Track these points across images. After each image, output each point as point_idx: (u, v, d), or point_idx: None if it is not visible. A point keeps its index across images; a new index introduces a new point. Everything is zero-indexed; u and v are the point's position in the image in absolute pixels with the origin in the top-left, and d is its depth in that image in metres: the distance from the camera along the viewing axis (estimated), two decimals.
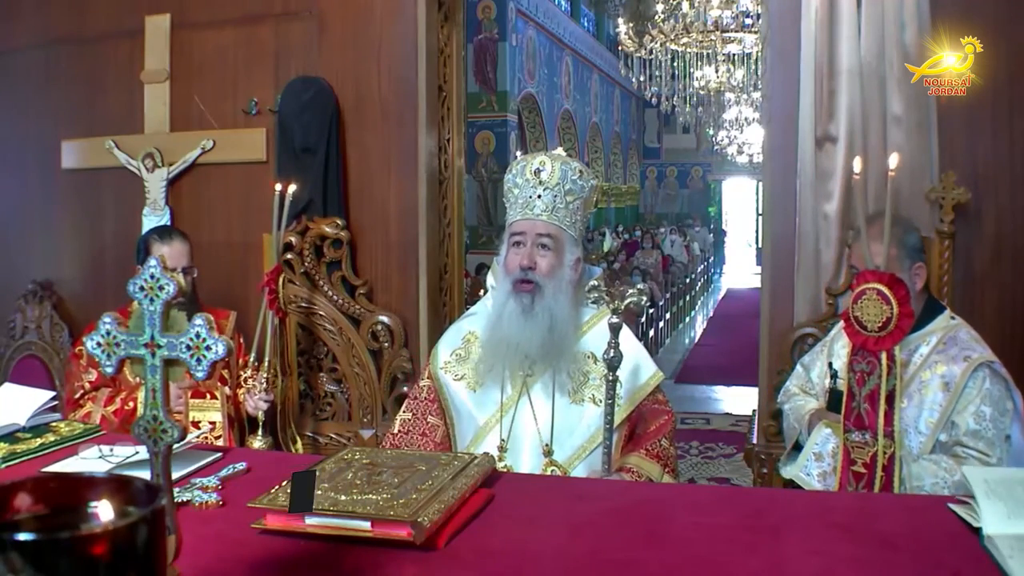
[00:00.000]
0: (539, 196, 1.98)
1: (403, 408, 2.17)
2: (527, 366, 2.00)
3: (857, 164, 1.93)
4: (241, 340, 3.06)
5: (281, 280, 3.13)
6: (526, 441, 1.97)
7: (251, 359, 2.93)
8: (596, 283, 2.00)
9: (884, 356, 1.83)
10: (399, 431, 2.11)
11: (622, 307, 1.82)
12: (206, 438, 2.69)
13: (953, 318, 2.15)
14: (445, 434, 2.09)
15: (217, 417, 2.72)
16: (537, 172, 1.99)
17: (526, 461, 1.96)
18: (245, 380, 2.91)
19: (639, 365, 2.04)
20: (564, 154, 2.07)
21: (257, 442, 2.86)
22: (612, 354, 1.81)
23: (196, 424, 2.71)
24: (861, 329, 1.86)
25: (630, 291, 1.84)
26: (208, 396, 2.75)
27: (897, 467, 1.85)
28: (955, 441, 2.00)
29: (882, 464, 1.85)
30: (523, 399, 2.00)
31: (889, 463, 1.85)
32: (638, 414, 2.05)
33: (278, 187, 2.99)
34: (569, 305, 1.99)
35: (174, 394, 2.66)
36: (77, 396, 2.73)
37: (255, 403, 2.83)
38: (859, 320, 1.86)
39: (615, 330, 1.81)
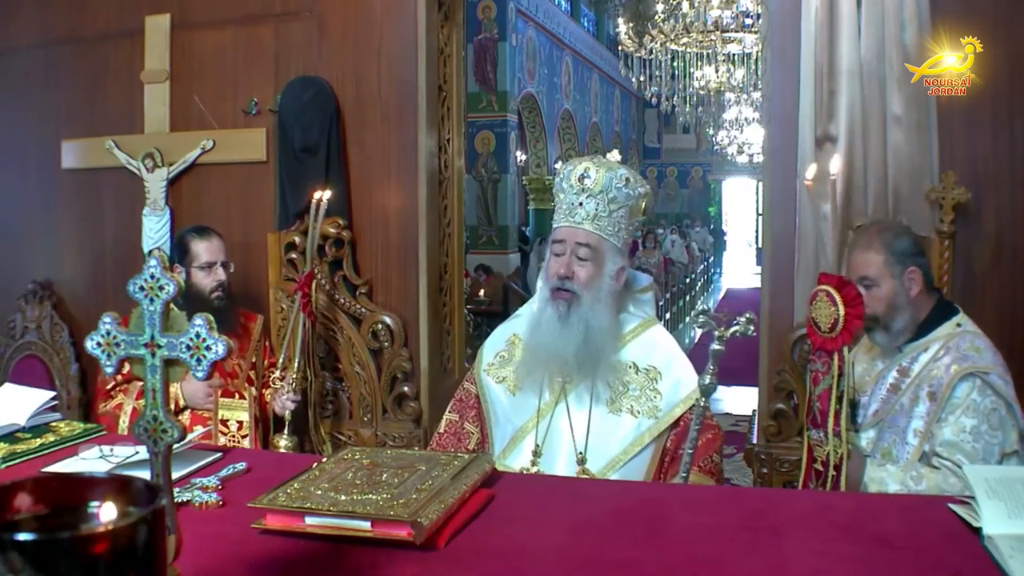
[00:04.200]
0: (581, 203, 1.92)
1: (449, 408, 2.17)
2: (565, 373, 1.96)
3: (835, 164, 1.95)
4: (268, 342, 3.13)
5: (314, 285, 3.15)
6: (561, 448, 1.93)
7: (279, 360, 3.00)
8: (705, 308, 1.95)
9: (836, 357, 1.86)
10: (445, 431, 2.12)
11: (727, 335, 1.75)
12: (233, 437, 2.75)
13: (959, 325, 2.09)
14: (479, 441, 2.08)
15: (244, 417, 2.78)
16: (581, 179, 1.92)
17: (559, 468, 1.92)
18: (273, 381, 2.98)
19: (680, 379, 1.98)
20: (612, 160, 2.01)
21: (283, 441, 2.91)
22: (708, 381, 1.76)
23: (224, 423, 2.77)
24: (817, 330, 1.91)
25: (737, 319, 1.77)
26: (237, 396, 2.80)
27: (845, 467, 1.88)
28: (932, 451, 1.96)
29: (834, 463, 1.88)
30: (560, 406, 1.96)
31: (840, 463, 1.87)
32: (682, 431, 1.95)
33: (317, 194, 3.04)
34: (608, 315, 1.94)
35: (204, 392, 2.73)
36: (109, 388, 2.79)
37: (283, 403, 2.89)
38: (815, 321, 1.92)
39: (715, 357, 1.75)
